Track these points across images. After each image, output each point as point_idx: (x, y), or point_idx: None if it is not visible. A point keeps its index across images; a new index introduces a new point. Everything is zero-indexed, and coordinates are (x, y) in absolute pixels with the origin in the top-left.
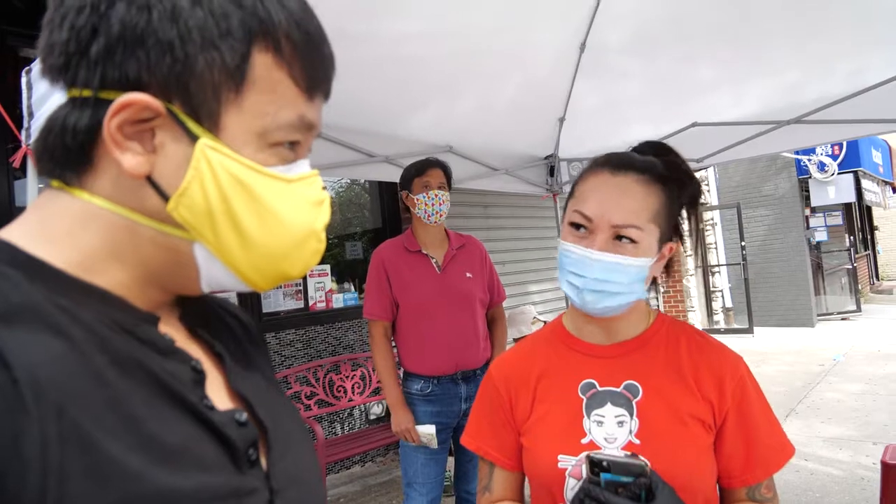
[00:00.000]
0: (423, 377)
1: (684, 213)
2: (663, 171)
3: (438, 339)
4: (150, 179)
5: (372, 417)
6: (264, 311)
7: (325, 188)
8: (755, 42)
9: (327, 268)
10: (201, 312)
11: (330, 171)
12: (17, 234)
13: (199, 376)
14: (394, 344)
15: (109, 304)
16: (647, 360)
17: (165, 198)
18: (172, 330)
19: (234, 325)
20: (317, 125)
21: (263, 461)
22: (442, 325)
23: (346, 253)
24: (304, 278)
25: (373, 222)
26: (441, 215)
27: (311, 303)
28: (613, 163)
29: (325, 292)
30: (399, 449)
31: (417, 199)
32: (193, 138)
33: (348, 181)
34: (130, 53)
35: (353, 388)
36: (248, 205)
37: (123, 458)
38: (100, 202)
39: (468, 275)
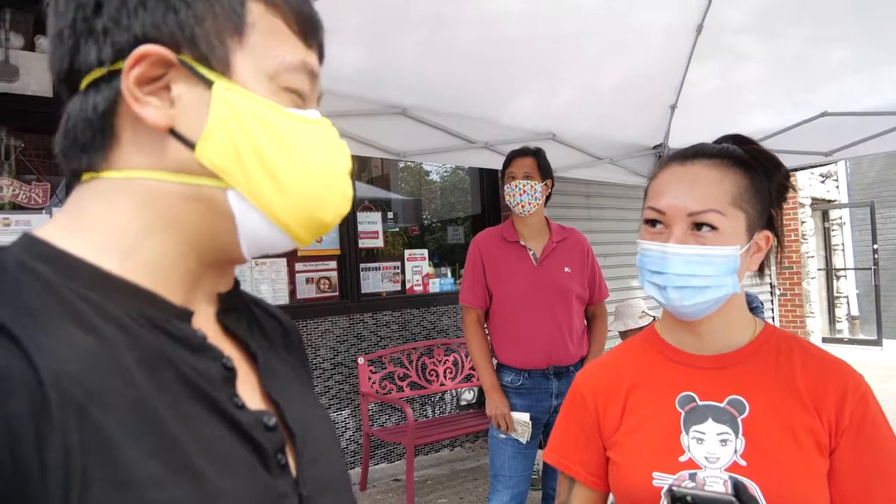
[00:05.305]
0: (514, 369)
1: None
2: (742, 155)
3: (531, 332)
4: (173, 132)
5: (463, 403)
6: (363, 291)
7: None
8: None
9: (425, 252)
10: (238, 311)
11: (429, 157)
12: (50, 229)
13: (230, 374)
14: (487, 333)
15: (141, 298)
16: (754, 373)
17: (192, 146)
18: (206, 326)
19: (272, 326)
20: (318, 74)
21: (293, 467)
22: (535, 318)
23: (447, 238)
24: (402, 261)
25: (473, 209)
26: (523, 206)
27: (408, 286)
28: (682, 154)
29: (423, 276)
30: (488, 439)
31: (504, 191)
32: (209, 83)
33: (451, 166)
34: (135, 15)
35: (444, 372)
36: (274, 142)
37: (143, 465)
38: (127, 173)
39: (566, 269)
